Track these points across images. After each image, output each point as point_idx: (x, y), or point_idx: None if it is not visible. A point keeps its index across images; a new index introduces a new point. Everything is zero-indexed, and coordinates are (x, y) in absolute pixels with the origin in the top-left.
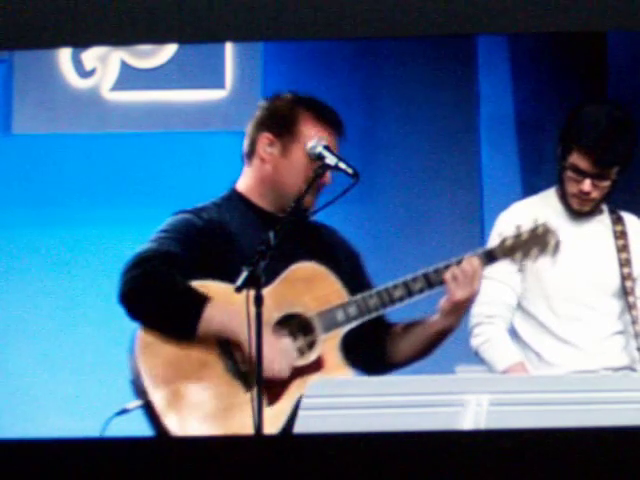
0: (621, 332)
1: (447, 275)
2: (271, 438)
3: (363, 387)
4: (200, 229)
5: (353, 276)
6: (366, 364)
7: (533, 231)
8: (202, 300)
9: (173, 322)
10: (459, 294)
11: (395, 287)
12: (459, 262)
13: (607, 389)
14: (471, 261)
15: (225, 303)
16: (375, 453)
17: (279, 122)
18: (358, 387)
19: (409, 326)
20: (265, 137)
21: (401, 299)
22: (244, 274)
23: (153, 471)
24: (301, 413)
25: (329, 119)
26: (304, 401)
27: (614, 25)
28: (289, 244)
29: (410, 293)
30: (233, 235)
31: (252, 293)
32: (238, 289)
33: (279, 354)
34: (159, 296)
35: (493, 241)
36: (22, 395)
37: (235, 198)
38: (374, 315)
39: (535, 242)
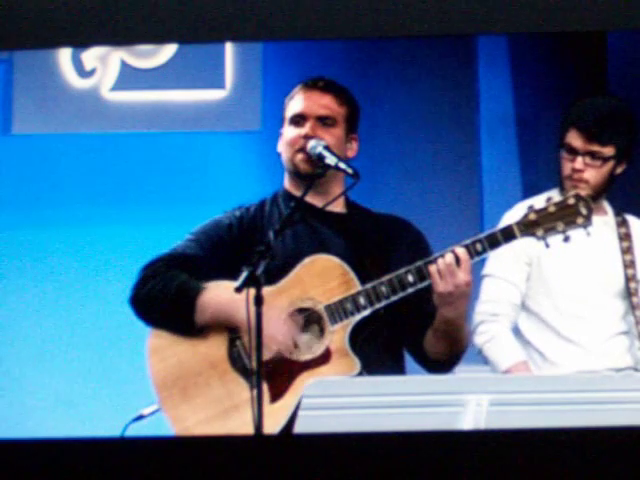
0: (625, 333)
1: (431, 268)
2: (271, 438)
3: (363, 387)
4: (228, 226)
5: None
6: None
7: (562, 202)
8: (195, 292)
9: (172, 319)
10: (441, 287)
11: (407, 272)
12: (443, 255)
13: (608, 389)
14: (456, 253)
15: (219, 290)
16: (375, 453)
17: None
18: (358, 387)
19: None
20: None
21: (413, 284)
22: (244, 274)
23: (154, 471)
24: (301, 413)
25: (303, 81)
26: (304, 401)
27: (614, 25)
28: (328, 236)
29: (422, 277)
30: (265, 228)
31: (252, 292)
32: (237, 289)
33: (282, 325)
34: (156, 296)
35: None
36: (22, 395)
37: (282, 191)
38: (385, 303)
39: (562, 215)
